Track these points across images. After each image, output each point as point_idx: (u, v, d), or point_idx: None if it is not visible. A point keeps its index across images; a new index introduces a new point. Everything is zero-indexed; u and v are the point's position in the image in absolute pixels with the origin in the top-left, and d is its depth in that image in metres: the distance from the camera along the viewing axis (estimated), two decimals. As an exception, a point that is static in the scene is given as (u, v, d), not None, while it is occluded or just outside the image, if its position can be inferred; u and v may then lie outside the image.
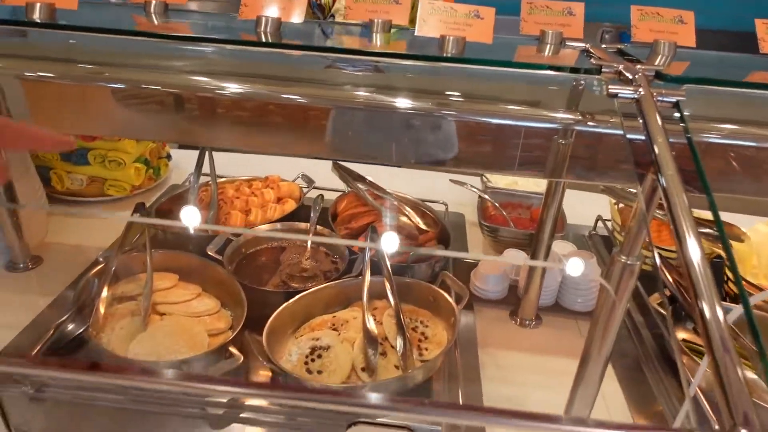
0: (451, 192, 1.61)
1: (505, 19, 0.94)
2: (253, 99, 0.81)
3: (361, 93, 0.80)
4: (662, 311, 1.14)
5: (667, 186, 0.59)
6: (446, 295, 1.09)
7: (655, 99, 0.68)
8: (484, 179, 1.64)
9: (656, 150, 0.62)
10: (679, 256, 0.53)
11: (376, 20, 0.89)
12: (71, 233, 1.39)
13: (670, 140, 0.64)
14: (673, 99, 0.69)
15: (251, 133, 0.86)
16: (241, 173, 1.56)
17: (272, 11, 0.85)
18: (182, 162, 1.79)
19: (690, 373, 0.98)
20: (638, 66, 0.75)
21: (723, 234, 0.85)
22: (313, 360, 0.95)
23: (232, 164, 1.60)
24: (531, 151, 0.83)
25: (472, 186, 1.57)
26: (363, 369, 0.95)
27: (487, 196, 1.51)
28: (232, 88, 0.80)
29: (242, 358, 0.92)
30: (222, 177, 1.52)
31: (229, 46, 0.88)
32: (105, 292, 1.03)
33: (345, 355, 0.95)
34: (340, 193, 1.49)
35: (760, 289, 1.18)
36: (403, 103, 0.78)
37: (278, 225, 1.31)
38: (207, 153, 1.37)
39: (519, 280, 1.27)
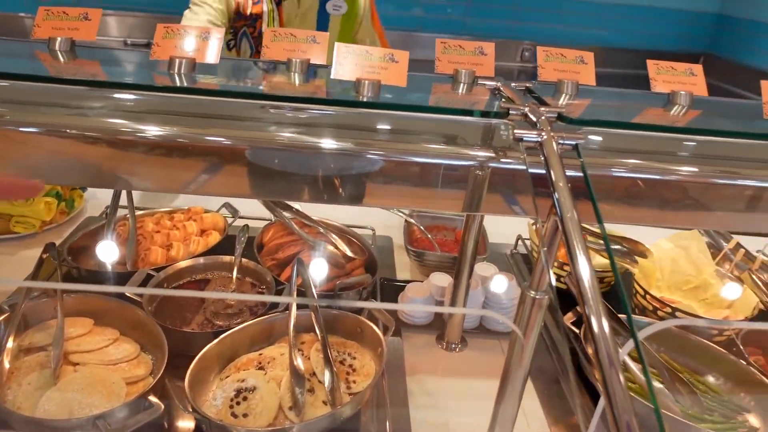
0: (378, 215, 1.63)
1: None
2: (168, 141, 0.79)
3: (282, 134, 0.80)
4: (575, 329, 1.21)
5: (566, 227, 0.63)
6: (373, 325, 1.10)
7: (557, 141, 0.73)
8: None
9: (557, 194, 0.66)
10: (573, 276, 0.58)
11: (294, 60, 0.90)
12: (-28, 275, 1.29)
13: (569, 174, 0.69)
14: (573, 142, 0.73)
15: (170, 175, 0.84)
16: (162, 205, 1.50)
17: (185, 52, 0.83)
18: (98, 192, 1.70)
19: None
20: (542, 108, 0.80)
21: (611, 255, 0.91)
22: (238, 403, 0.93)
23: (151, 195, 1.55)
24: (447, 187, 0.86)
25: (398, 210, 1.59)
26: (290, 408, 0.94)
27: (412, 220, 1.54)
28: (148, 130, 0.77)
29: (162, 407, 0.89)
30: (141, 209, 1.46)
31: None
32: (11, 343, 0.97)
33: (271, 396, 0.94)
34: (266, 223, 1.47)
35: (663, 303, 1.27)
36: (324, 143, 0.79)
37: (201, 259, 1.27)
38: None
39: (444, 303, 1.30)
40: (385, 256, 1.54)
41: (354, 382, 1.02)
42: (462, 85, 0.94)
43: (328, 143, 0.79)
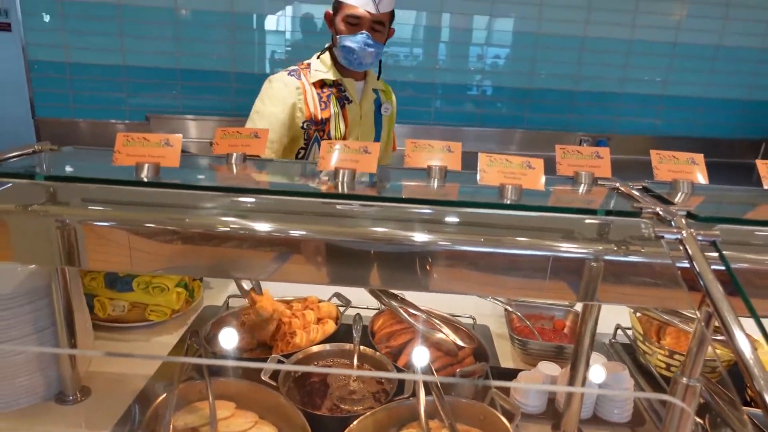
0: (473, 304, 1.69)
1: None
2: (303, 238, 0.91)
3: (418, 235, 0.91)
4: (699, 420, 1.20)
5: (723, 317, 0.69)
6: (497, 413, 1.13)
7: (696, 239, 0.80)
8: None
9: (707, 286, 0.73)
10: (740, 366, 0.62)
11: (433, 167, 1.02)
12: (114, 360, 1.41)
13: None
14: (711, 239, 0.80)
15: (301, 266, 0.95)
16: (276, 294, 1.62)
17: (345, 164, 0.97)
18: (212, 282, 1.85)
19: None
20: (672, 207, 0.88)
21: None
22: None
23: (265, 286, 1.67)
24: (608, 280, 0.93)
25: (496, 299, 1.65)
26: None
27: (511, 309, 1.60)
28: (289, 230, 0.91)
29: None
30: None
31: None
32: (171, 427, 1.06)
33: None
34: (375, 311, 1.56)
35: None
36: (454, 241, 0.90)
37: (327, 346, 1.36)
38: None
39: (557, 393, 1.32)
40: (486, 344, 1.58)
41: (483, 471, 1.05)
42: (583, 185, 1.04)
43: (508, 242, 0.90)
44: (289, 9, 3.88)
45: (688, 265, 0.76)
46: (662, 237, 0.81)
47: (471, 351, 1.41)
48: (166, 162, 0.92)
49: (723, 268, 0.79)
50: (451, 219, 0.95)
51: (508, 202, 0.90)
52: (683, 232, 0.80)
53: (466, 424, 1.16)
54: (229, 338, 1.31)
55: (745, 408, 1.30)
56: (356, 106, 2.10)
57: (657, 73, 4.33)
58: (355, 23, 1.91)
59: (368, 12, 1.89)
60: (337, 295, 1.63)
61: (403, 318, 1.46)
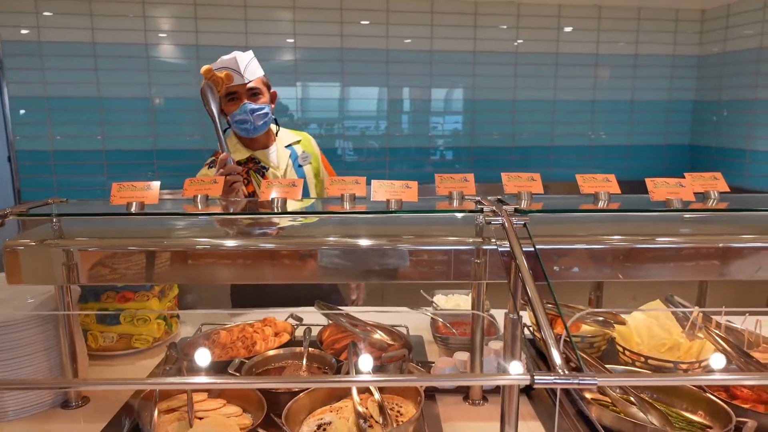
0: (410, 319, 2.03)
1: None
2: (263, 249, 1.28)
3: (344, 239, 1.28)
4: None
5: (525, 280, 1.06)
6: (412, 381, 1.46)
7: (513, 223, 1.19)
8: (435, 305, 2.09)
9: (514, 252, 1.11)
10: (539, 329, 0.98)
11: (345, 194, 1.41)
12: (108, 377, 1.70)
13: (524, 249, 1.14)
14: (522, 222, 1.20)
15: (267, 270, 1.32)
16: (240, 319, 1.95)
17: (281, 194, 1.36)
18: (188, 320, 2.16)
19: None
20: (505, 206, 1.28)
21: (560, 310, 1.31)
22: (320, 433, 1.29)
23: (230, 318, 2.00)
24: (458, 266, 1.31)
25: (425, 311, 2.01)
26: (357, 436, 1.29)
27: (437, 318, 1.95)
28: (261, 244, 1.27)
29: (268, 436, 1.25)
30: (228, 324, 1.91)
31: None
32: (156, 411, 1.36)
33: (343, 426, 1.30)
34: (322, 326, 1.89)
35: (639, 354, 1.61)
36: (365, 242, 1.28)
37: (281, 350, 1.68)
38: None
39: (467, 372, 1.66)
40: (418, 348, 1.92)
41: (402, 422, 1.37)
42: (455, 200, 1.44)
43: (365, 242, 1.27)
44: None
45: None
46: (490, 223, 1.20)
47: (400, 347, 1.74)
48: (149, 200, 1.29)
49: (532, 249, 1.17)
50: (353, 224, 1.33)
51: (392, 209, 1.29)
52: (503, 218, 1.20)
53: (389, 394, 1.48)
54: (201, 349, 1.63)
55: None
56: (275, 169, 2.30)
57: (581, 127, 4.92)
58: (234, 98, 2.17)
59: (240, 84, 2.13)
60: (292, 315, 1.96)
61: (345, 326, 1.80)
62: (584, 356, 1.58)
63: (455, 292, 2.21)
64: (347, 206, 1.40)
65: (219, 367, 1.58)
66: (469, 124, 4.80)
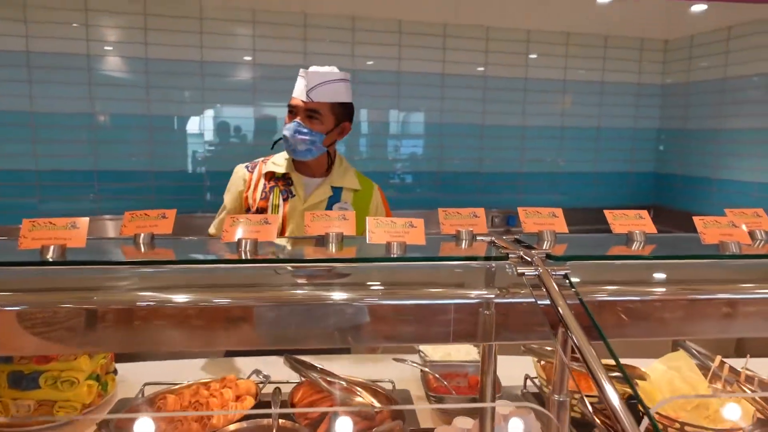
0: (393, 371, 1.75)
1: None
2: (218, 306, 0.98)
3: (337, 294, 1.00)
4: (597, 452, 1.30)
5: (576, 338, 0.81)
6: (412, 464, 1.18)
7: (551, 274, 0.94)
8: (422, 354, 1.82)
9: (561, 312, 0.86)
10: (602, 400, 0.73)
11: (330, 233, 1.14)
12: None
13: (568, 302, 0.89)
14: (562, 273, 0.95)
15: (222, 333, 1.01)
16: (194, 376, 1.62)
17: (249, 234, 1.07)
18: (128, 375, 1.81)
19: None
20: (533, 251, 1.03)
21: (624, 373, 1.07)
22: None
23: (182, 371, 1.66)
24: (463, 323, 1.05)
25: (413, 362, 1.73)
26: None
27: (427, 369, 1.67)
28: (211, 299, 0.98)
29: None
30: (176, 384, 1.57)
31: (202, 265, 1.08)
32: None
33: None
34: (294, 384, 1.58)
35: (672, 419, 1.39)
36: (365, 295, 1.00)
37: (244, 424, 1.37)
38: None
39: (471, 444, 1.39)
40: (407, 409, 1.63)
41: None
42: (464, 241, 1.19)
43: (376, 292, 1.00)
44: (209, 112, 4.06)
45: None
46: (523, 274, 0.95)
47: (389, 413, 1.46)
48: (73, 243, 0.98)
49: (578, 302, 0.93)
50: (348, 274, 1.05)
51: (394, 255, 1.02)
52: (540, 268, 0.95)
53: (383, 482, 1.20)
54: (142, 426, 1.29)
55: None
56: (299, 200, 2.07)
57: (549, 153, 4.82)
58: (291, 111, 2.03)
59: (301, 101, 1.98)
60: (256, 371, 1.64)
61: (321, 387, 1.50)
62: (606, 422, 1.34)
63: (443, 337, 1.95)
64: (333, 249, 1.13)
65: (166, 451, 1.25)
66: (436, 148, 4.62)
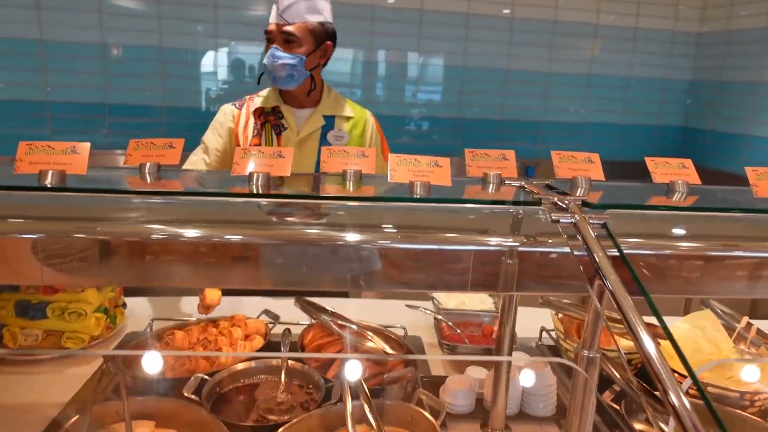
0: (406, 317, 1.71)
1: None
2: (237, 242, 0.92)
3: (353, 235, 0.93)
4: (615, 406, 1.26)
5: (614, 289, 0.74)
6: (424, 412, 1.15)
7: (588, 221, 0.86)
8: (436, 302, 1.77)
9: (599, 262, 0.78)
10: (639, 351, 0.66)
11: (348, 170, 1.06)
12: (23, 392, 1.33)
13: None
14: (601, 221, 0.87)
15: (232, 271, 0.95)
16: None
17: (262, 168, 0.99)
18: (137, 309, 1.79)
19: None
20: (568, 197, 0.94)
21: (667, 330, 1.00)
22: (308, 492, 0.96)
23: (191, 308, 1.64)
24: (485, 271, 0.98)
25: (426, 309, 1.68)
26: (357, 495, 0.97)
27: (441, 317, 1.63)
28: (217, 234, 0.91)
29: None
30: (185, 319, 1.54)
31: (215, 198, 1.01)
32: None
33: (339, 482, 0.97)
34: (305, 326, 1.55)
35: (705, 384, 1.33)
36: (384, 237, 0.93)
37: (252, 363, 1.34)
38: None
39: (484, 393, 1.35)
40: (418, 353, 1.60)
41: (412, 469, 1.05)
42: (491, 185, 1.10)
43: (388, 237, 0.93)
44: (223, 48, 3.90)
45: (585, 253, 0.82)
46: (558, 221, 0.87)
47: (400, 359, 1.42)
48: (73, 169, 0.91)
49: (616, 253, 0.85)
50: (364, 215, 0.98)
51: (417, 196, 0.94)
52: (576, 216, 0.87)
53: (393, 426, 1.17)
54: (149, 358, 1.26)
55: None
56: (292, 133, 2.00)
57: (575, 102, 4.63)
58: (269, 39, 1.89)
59: (276, 24, 1.85)
60: (266, 311, 1.61)
61: (332, 330, 1.46)
62: (633, 380, 1.29)
63: (458, 286, 1.89)
64: (350, 187, 1.05)
65: (172, 388, 1.22)
66: (455, 93, 4.44)
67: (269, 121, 2.00)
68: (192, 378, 1.23)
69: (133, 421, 1.10)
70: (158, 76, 3.79)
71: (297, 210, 1.02)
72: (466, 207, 1.00)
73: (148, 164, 1.05)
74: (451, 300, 1.82)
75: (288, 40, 1.86)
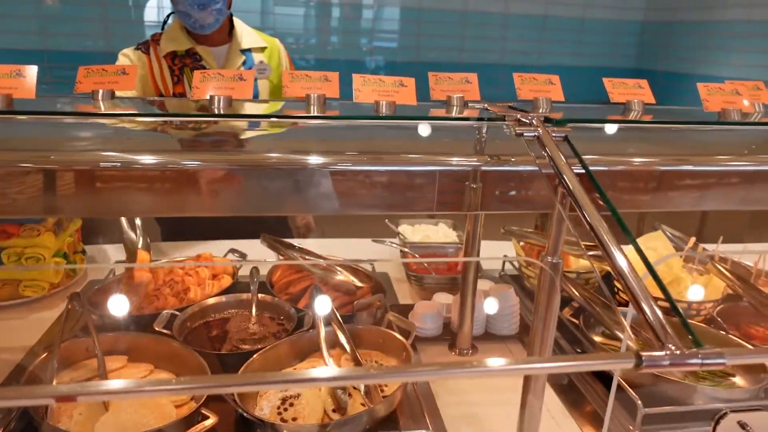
0: (373, 254, 1.74)
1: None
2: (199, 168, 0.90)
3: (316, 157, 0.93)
4: (575, 321, 1.33)
5: (575, 192, 0.77)
6: (395, 333, 1.18)
7: (551, 134, 0.88)
8: (401, 237, 1.80)
9: (559, 168, 0.81)
10: (611, 265, 0.69)
11: (312, 94, 1.04)
12: (-13, 338, 1.30)
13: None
14: (563, 134, 0.89)
15: (199, 198, 0.94)
16: (167, 254, 1.56)
17: (222, 91, 0.96)
18: (97, 257, 1.74)
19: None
20: (531, 114, 0.96)
21: (632, 238, 1.05)
22: (285, 409, 0.99)
23: (158, 251, 1.61)
24: (450, 191, 1.00)
25: (392, 242, 1.71)
26: (334, 410, 1.00)
27: (407, 250, 1.66)
28: (177, 160, 0.89)
29: (217, 418, 0.93)
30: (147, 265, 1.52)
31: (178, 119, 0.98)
32: (54, 383, 0.99)
33: (315, 399, 1.00)
34: (272, 264, 1.55)
35: (655, 298, 1.41)
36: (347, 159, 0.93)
37: (223, 298, 1.34)
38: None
39: (451, 317, 1.40)
40: (386, 287, 1.63)
41: (386, 385, 1.09)
42: (455, 107, 1.11)
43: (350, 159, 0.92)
44: (165, -16, 3.70)
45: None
46: (522, 135, 0.89)
47: (369, 289, 1.45)
48: (20, 93, 0.86)
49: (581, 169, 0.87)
50: (323, 140, 0.97)
51: (384, 114, 0.94)
52: (539, 129, 0.88)
53: (366, 349, 1.20)
54: (116, 298, 1.25)
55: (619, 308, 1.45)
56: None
57: (530, 45, 4.64)
58: None
59: None
60: (232, 250, 1.60)
61: (301, 265, 1.47)
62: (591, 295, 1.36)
63: (422, 221, 1.93)
64: (315, 111, 1.03)
65: (142, 324, 1.22)
66: (412, 36, 4.37)
67: (186, 64, 1.88)
68: (163, 313, 1.22)
69: (105, 356, 1.10)
70: (99, 21, 3.58)
71: (254, 132, 1.01)
72: (432, 129, 1.00)
73: (101, 91, 1.00)
74: (416, 234, 1.85)
75: None
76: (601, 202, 0.82)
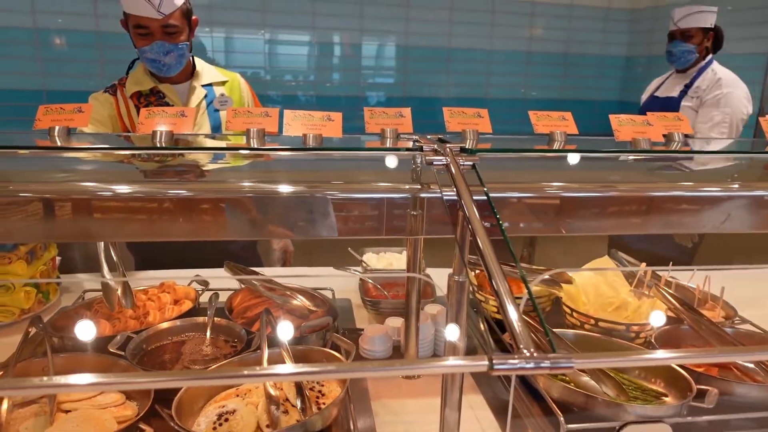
0: (336, 281, 1.80)
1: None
2: (156, 196, 0.98)
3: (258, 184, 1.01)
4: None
5: (476, 232, 0.84)
6: (336, 354, 1.24)
7: (459, 164, 0.96)
8: (364, 265, 1.87)
9: (461, 195, 0.88)
10: (490, 283, 0.76)
11: (252, 129, 1.13)
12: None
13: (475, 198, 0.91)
14: (471, 163, 0.97)
15: (176, 224, 1.01)
16: (132, 285, 1.63)
17: (165, 127, 1.05)
18: (72, 286, 1.82)
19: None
20: (448, 145, 1.04)
21: (521, 270, 1.12)
22: (220, 424, 1.04)
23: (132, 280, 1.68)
24: (391, 219, 1.07)
25: (354, 270, 1.77)
26: (267, 426, 1.05)
27: (366, 277, 1.72)
28: (137, 188, 0.97)
29: (153, 432, 0.99)
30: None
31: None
32: (5, 402, 1.06)
33: (250, 414, 1.06)
34: (233, 291, 1.62)
35: (588, 317, 1.47)
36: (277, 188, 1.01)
37: (177, 322, 1.40)
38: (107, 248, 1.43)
39: (401, 341, 1.45)
40: (345, 314, 1.69)
41: (324, 404, 1.14)
42: (388, 139, 1.19)
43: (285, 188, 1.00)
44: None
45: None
46: (431, 163, 0.97)
47: (323, 313, 1.51)
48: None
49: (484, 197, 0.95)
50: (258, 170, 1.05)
51: (310, 146, 1.02)
52: (448, 158, 0.96)
53: (310, 370, 1.25)
54: (78, 322, 1.31)
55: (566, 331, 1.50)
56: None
57: (515, 79, 4.78)
58: (145, 33, 1.84)
59: (154, 19, 1.81)
60: (196, 278, 1.67)
61: (260, 291, 1.54)
62: (530, 322, 1.41)
63: (387, 250, 2.00)
64: (255, 144, 1.12)
65: (98, 345, 1.28)
66: (401, 73, 4.53)
67: (151, 102, 1.98)
68: (118, 335, 1.29)
69: (56, 376, 1.16)
70: (97, 62, 3.75)
71: (205, 164, 1.09)
72: (360, 154, 1.09)
73: (57, 128, 1.10)
74: (381, 262, 1.91)
75: (170, 33, 1.85)
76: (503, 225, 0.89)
